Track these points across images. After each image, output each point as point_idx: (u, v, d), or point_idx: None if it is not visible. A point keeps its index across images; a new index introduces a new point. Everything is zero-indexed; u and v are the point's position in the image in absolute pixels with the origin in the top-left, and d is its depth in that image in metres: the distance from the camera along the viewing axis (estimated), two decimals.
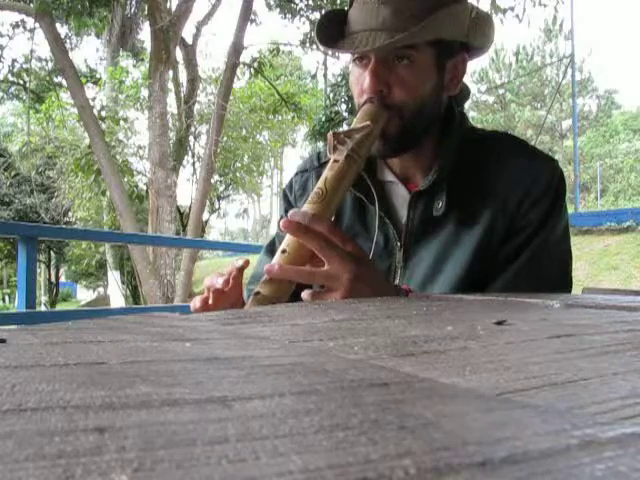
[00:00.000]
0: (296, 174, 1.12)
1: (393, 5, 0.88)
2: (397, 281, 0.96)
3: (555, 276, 0.94)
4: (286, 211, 1.11)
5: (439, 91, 0.94)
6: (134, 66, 14.09)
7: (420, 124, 0.94)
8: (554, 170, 0.96)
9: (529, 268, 0.91)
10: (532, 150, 0.99)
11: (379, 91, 0.89)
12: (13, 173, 16.45)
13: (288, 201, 1.11)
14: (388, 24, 0.87)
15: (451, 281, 0.92)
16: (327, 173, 0.84)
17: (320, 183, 0.84)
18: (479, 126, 1.11)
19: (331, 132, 0.86)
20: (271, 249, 1.10)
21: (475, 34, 0.94)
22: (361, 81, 0.91)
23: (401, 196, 1.00)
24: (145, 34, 13.60)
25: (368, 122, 0.86)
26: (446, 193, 0.93)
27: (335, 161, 0.85)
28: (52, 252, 19.16)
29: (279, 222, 1.12)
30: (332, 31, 0.94)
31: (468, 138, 0.98)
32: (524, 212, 0.92)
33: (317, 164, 1.09)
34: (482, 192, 0.94)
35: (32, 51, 9.73)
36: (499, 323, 0.45)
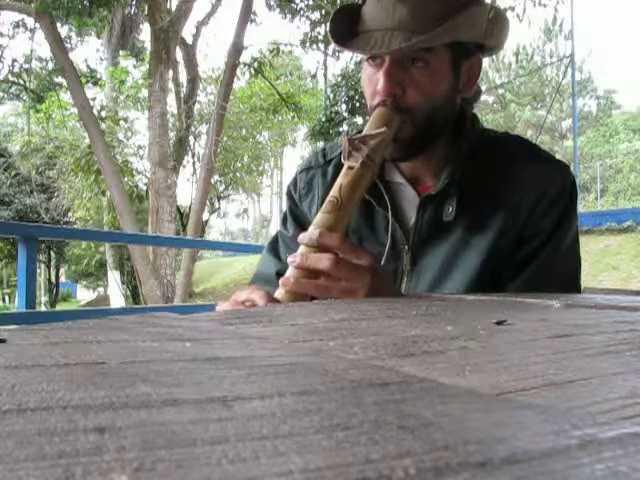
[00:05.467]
0: (301, 171, 1.09)
1: (410, 4, 0.85)
2: (404, 284, 0.94)
3: (565, 283, 0.93)
4: (290, 209, 1.09)
5: (454, 93, 0.92)
6: (134, 66, 14.09)
7: (433, 127, 0.91)
8: (567, 176, 0.94)
9: (539, 277, 0.90)
10: (545, 155, 0.98)
11: (393, 94, 0.86)
12: (13, 173, 16.44)
13: (292, 199, 1.08)
14: (405, 24, 0.84)
15: (459, 287, 0.90)
16: (342, 180, 0.82)
17: (334, 191, 0.81)
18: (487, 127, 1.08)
19: (346, 138, 0.83)
20: (274, 247, 1.08)
21: (492, 35, 0.91)
22: (374, 82, 0.89)
23: (409, 198, 0.97)
24: (145, 34, 13.61)
25: (384, 128, 0.83)
26: (456, 198, 0.91)
27: (350, 168, 0.82)
28: (52, 252, 19.14)
29: (283, 219, 1.11)
30: (346, 28, 0.91)
31: (480, 140, 0.96)
32: (536, 219, 0.91)
33: (322, 161, 1.06)
34: (494, 197, 0.92)
35: (32, 51, 9.73)
36: (499, 323, 0.45)
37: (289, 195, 1.10)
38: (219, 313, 0.60)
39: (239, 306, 0.77)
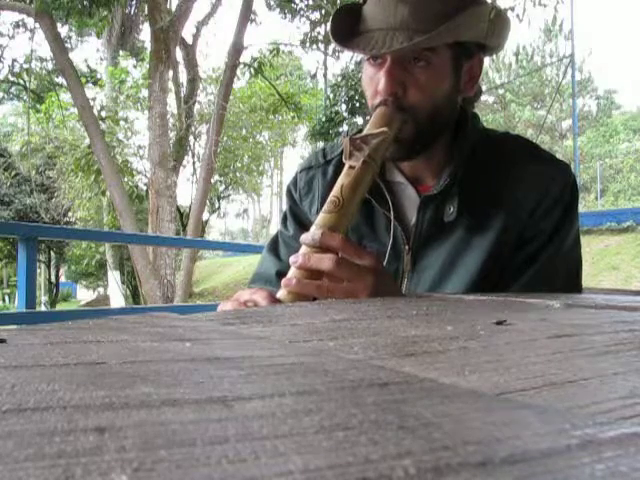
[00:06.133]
0: (301, 171, 1.09)
1: (412, 3, 0.85)
2: (404, 285, 0.94)
3: (566, 284, 0.93)
4: (290, 209, 1.09)
5: (455, 93, 0.92)
6: (134, 66, 14.09)
7: (434, 127, 0.91)
8: (568, 176, 0.94)
9: (540, 278, 0.90)
10: (546, 155, 0.98)
11: (394, 93, 0.86)
12: (13, 173, 16.44)
13: (292, 199, 1.08)
14: (406, 24, 0.84)
15: (459, 288, 0.90)
16: (343, 180, 0.81)
17: (336, 191, 0.81)
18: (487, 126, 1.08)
19: (347, 138, 0.83)
20: (274, 247, 1.08)
21: (493, 35, 0.91)
22: (375, 82, 0.88)
23: (410, 198, 0.97)
24: (145, 34, 13.61)
25: (385, 128, 0.83)
26: (458, 198, 0.91)
27: (351, 167, 0.82)
28: (52, 252, 19.14)
29: (283, 218, 1.11)
30: (347, 28, 0.90)
31: (481, 140, 0.96)
32: (537, 219, 0.91)
33: (323, 161, 1.06)
34: (495, 197, 0.92)
35: (32, 51, 9.73)
36: (499, 323, 0.45)
37: (289, 194, 1.10)
38: (219, 313, 0.60)
39: (241, 306, 0.77)
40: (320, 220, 0.80)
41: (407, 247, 0.95)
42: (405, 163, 0.98)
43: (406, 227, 0.96)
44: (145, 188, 12.21)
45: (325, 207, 0.81)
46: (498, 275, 0.91)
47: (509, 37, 0.96)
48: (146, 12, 10.27)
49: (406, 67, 0.87)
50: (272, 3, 10.27)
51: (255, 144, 16.28)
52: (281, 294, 0.77)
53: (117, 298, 13.22)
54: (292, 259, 0.78)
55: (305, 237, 0.78)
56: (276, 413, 0.20)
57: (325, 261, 0.75)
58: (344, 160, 0.84)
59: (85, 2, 7.94)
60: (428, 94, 0.88)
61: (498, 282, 0.90)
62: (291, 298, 0.76)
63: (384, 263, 0.92)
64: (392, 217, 0.93)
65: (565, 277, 0.94)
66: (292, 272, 0.78)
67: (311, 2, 9.85)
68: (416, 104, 0.87)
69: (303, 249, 0.79)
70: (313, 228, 0.79)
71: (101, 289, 21.35)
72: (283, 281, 0.77)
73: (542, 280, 0.90)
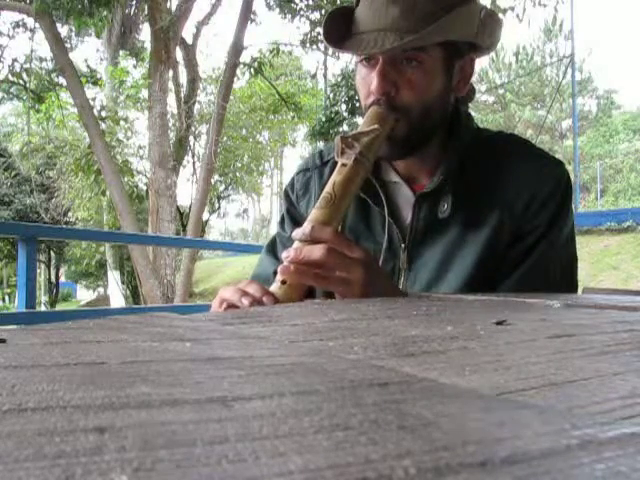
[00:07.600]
0: (298, 173, 1.10)
1: (403, 4, 0.86)
2: (402, 283, 0.95)
3: (561, 280, 0.93)
4: (288, 210, 1.10)
5: (447, 92, 0.93)
6: (134, 66, 14.09)
7: (427, 126, 0.92)
8: (561, 173, 0.95)
9: (535, 273, 0.90)
10: (539, 152, 0.99)
11: (387, 93, 0.88)
12: (13, 173, 16.44)
13: (290, 200, 1.10)
14: (397, 24, 0.85)
15: (456, 284, 0.91)
16: (335, 177, 0.83)
17: (328, 187, 0.82)
18: (482, 126, 1.09)
19: (339, 136, 0.85)
20: (272, 249, 1.09)
21: (484, 35, 0.92)
22: (368, 82, 0.90)
23: (405, 197, 0.99)
24: (145, 34, 13.60)
25: (376, 125, 0.85)
26: (451, 195, 0.92)
27: (343, 165, 0.83)
28: (52, 252, 19.14)
29: (280, 220, 1.12)
30: (339, 30, 0.92)
31: (474, 139, 0.97)
32: (531, 215, 0.91)
33: (319, 163, 1.07)
34: (488, 194, 0.93)
35: (32, 51, 9.73)
36: (499, 323, 0.45)
37: (286, 196, 1.11)
38: (218, 313, 0.60)
39: (236, 294, 0.77)
40: (312, 215, 0.81)
41: (403, 245, 0.96)
42: (400, 162, 0.99)
43: (402, 226, 0.97)
44: (145, 188, 12.20)
45: (318, 203, 0.82)
46: (494, 271, 0.91)
47: (506, 37, 0.99)
48: (146, 12, 10.27)
49: (398, 67, 0.88)
50: (272, 3, 10.26)
51: (255, 144, 16.29)
52: (275, 285, 0.78)
53: (117, 298, 13.20)
54: (284, 254, 0.79)
55: (297, 232, 0.80)
56: (276, 413, 0.20)
57: (315, 251, 0.76)
58: (336, 158, 0.86)
59: (85, 2, 7.94)
60: (420, 93, 0.89)
61: (494, 278, 0.91)
62: (285, 292, 0.77)
63: (380, 261, 0.93)
64: (387, 215, 0.94)
65: (560, 272, 0.94)
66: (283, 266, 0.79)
67: (311, 2, 9.86)
68: (408, 103, 0.89)
69: (295, 244, 0.80)
70: (305, 223, 0.80)
71: (101, 289, 21.34)
72: (280, 267, 0.78)
73: (537, 275, 0.90)
